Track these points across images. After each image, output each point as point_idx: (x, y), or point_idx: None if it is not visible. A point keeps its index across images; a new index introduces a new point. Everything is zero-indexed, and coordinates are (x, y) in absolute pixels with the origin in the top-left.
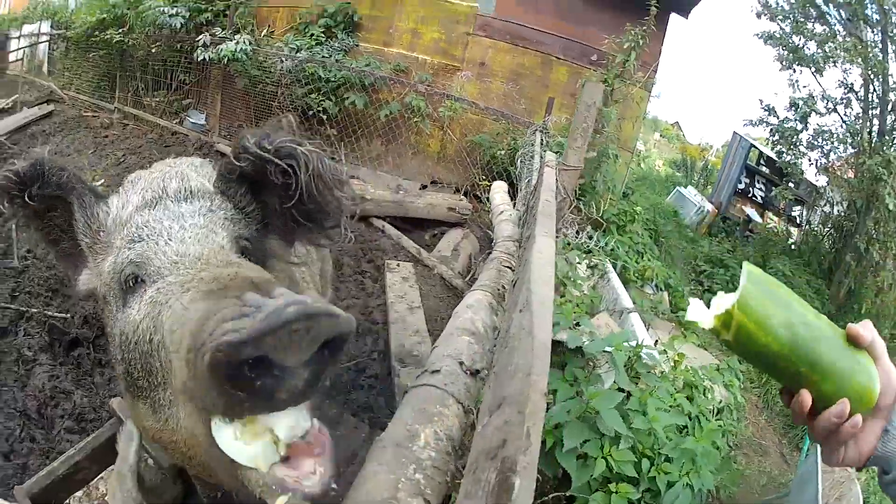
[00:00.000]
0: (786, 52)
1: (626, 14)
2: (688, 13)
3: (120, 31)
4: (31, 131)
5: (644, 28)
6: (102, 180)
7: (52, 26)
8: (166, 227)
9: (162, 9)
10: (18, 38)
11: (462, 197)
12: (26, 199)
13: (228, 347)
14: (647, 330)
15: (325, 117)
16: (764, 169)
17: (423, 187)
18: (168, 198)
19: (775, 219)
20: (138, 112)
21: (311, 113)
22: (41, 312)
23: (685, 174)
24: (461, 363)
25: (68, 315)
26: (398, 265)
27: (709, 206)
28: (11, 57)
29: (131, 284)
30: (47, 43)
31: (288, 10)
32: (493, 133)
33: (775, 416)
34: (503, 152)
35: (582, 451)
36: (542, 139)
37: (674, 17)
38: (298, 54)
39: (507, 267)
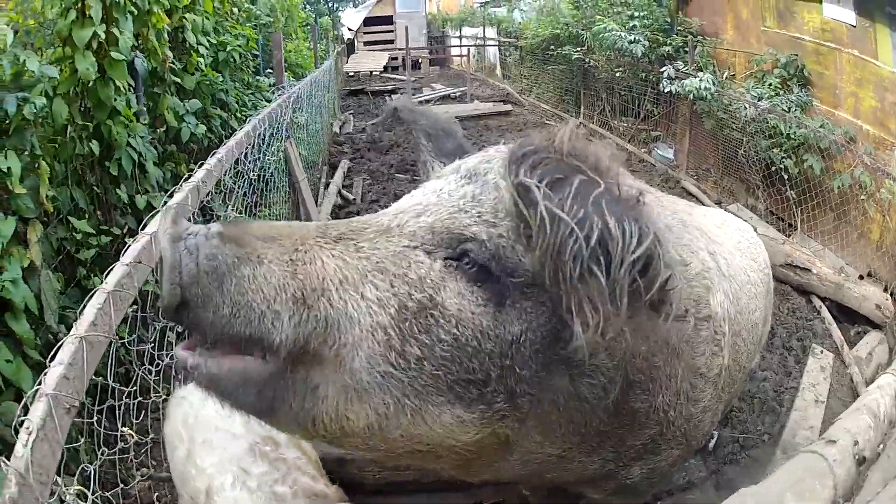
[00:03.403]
0: None
1: None
2: None
3: (578, 49)
4: (484, 122)
5: None
6: None
7: (498, 33)
8: (420, 191)
9: (620, 34)
10: (459, 37)
11: (889, 296)
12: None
13: None
14: None
15: (785, 176)
16: None
17: (861, 277)
18: (458, 173)
19: None
20: (605, 132)
21: (773, 169)
22: None
23: None
24: (856, 443)
25: None
26: (822, 352)
27: None
28: (454, 52)
29: None
30: (496, 47)
31: (745, 56)
32: None
33: None
34: None
35: None
36: None
37: None
38: (760, 102)
39: None
